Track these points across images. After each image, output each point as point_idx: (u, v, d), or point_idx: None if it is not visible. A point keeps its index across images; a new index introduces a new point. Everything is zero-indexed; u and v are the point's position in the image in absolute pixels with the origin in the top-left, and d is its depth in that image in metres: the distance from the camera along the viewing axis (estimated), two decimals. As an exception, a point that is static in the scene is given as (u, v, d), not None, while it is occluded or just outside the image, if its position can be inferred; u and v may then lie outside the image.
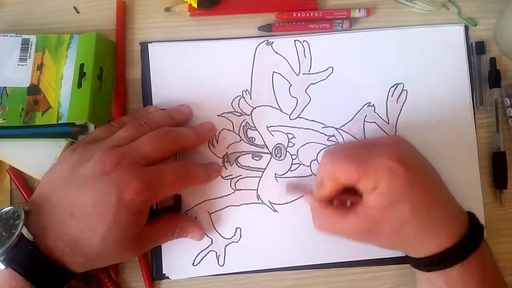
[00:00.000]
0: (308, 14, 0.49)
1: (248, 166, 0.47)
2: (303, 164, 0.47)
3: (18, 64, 0.45)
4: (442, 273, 0.38)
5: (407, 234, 0.38)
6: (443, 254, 0.38)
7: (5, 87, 0.44)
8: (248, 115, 0.48)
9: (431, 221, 0.38)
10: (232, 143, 0.47)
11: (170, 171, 0.40)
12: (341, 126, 0.48)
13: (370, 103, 0.48)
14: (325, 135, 0.48)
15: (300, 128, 0.48)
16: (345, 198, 0.42)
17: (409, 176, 0.37)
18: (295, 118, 0.48)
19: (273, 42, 0.48)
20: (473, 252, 0.38)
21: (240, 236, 0.46)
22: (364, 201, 0.38)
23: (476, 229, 0.39)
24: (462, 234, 0.38)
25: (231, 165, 0.47)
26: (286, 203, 0.47)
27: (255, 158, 0.47)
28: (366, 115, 0.48)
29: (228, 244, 0.46)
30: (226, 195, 0.47)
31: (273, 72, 0.48)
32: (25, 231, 0.35)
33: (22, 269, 0.34)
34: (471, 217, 0.40)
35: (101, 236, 0.37)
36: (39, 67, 0.45)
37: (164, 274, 0.46)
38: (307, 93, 0.48)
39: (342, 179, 0.38)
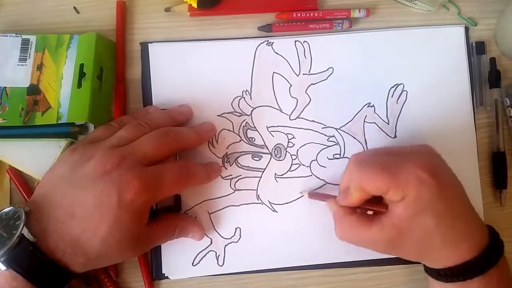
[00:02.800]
0: (308, 14, 0.49)
1: (248, 166, 0.47)
2: (303, 165, 0.47)
3: (18, 64, 0.45)
4: (461, 285, 0.38)
5: (431, 245, 0.38)
6: (464, 266, 0.38)
7: (5, 87, 0.44)
8: (248, 115, 0.48)
9: (454, 233, 0.38)
10: (232, 143, 0.47)
11: (171, 171, 0.40)
12: (341, 127, 0.48)
13: (370, 103, 0.48)
14: (325, 135, 0.48)
15: (300, 128, 0.48)
16: (368, 206, 0.41)
17: (437, 187, 0.37)
18: (295, 119, 0.48)
19: (273, 42, 0.48)
20: (494, 265, 0.38)
21: (240, 236, 0.46)
22: (390, 211, 0.38)
23: (496, 242, 0.40)
24: (483, 247, 0.38)
25: (231, 165, 0.47)
26: (286, 203, 0.47)
27: (255, 158, 0.47)
28: (366, 116, 0.48)
29: (228, 244, 0.46)
30: (226, 195, 0.47)
31: (273, 72, 0.48)
32: (25, 232, 0.35)
33: (23, 270, 0.34)
34: (491, 231, 0.40)
35: (101, 236, 0.37)
36: (39, 67, 0.45)
37: (164, 274, 0.46)
38: (307, 94, 0.48)
39: (370, 190, 0.38)
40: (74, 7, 0.49)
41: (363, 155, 0.41)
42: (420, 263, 0.42)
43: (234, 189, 0.47)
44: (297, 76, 0.48)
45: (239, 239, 0.46)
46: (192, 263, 0.46)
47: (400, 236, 0.38)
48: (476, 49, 0.49)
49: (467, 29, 0.50)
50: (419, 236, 0.38)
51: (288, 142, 0.48)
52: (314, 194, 0.46)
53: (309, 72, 0.48)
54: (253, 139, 0.48)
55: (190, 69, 0.48)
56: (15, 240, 0.35)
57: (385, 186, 0.37)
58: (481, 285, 0.38)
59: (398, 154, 0.40)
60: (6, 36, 0.45)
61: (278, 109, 0.48)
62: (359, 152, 0.43)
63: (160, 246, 0.46)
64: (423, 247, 0.39)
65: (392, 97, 0.48)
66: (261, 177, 0.47)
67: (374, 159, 0.39)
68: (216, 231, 0.46)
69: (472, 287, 0.38)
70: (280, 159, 0.47)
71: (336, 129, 0.48)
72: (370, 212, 0.41)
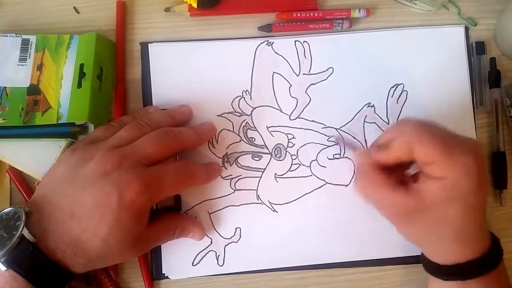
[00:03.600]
0: (308, 14, 0.49)
1: (248, 166, 0.47)
2: (303, 165, 0.47)
3: (18, 64, 0.45)
4: (461, 284, 0.39)
5: (443, 234, 0.38)
6: (465, 265, 0.38)
7: (5, 87, 0.44)
8: (248, 115, 0.48)
9: (469, 231, 0.38)
10: (232, 143, 0.47)
11: (171, 171, 0.40)
12: (341, 127, 0.48)
13: (370, 103, 0.48)
14: (325, 135, 0.48)
15: (300, 128, 0.48)
16: (399, 174, 0.40)
17: (478, 182, 0.36)
18: (295, 119, 0.48)
19: (273, 42, 0.48)
20: (494, 268, 0.38)
21: (240, 236, 0.46)
22: (423, 183, 0.37)
23: (497, 247, 0.40)
24: (486, 250, 0.39)
25: (231, 165, 0.47)
26: (286, 203, 0.47)
27: (255, 158, 0.47)
28: (366, 116, 0.48)
29: (228, 244, 0.46)
30: (226, 195, 0.47)
31: (273, 72, 0.48)
32: (26, 232, 0.35)
33: (23, 270, 0.34)
34: (493, 238, 0.41)
35: (102, 237, 0.37)
36: (39, 67, 0.45)
37: (164, 274, 0.46)
38: (307, 94, 0.48)
39: (420, 153, 0.37)
40: (74, 7, 0.49)
41: (423, 121, 0.39)
42: (419, 263, 0.42)
43: (234, 189, 0.47)
44: (297, 76, 0.48)
45: (239, 239, 0.46)
46: (192, 263, 0.46)
47: (421, 211, 0.37)
48: (476, 49, 0.49)
49: (467, 29, 0.50)
50: (439, 220, 0.37)
51: (288, 142, 0.48)
52: (345, 141, 0.45)
53: (309, 72, 0.48)
54: (253, 139, 0.48)
55: (190, 69, 0.48)
56: (15, 241, 0.34)
57: (434, 157, 0.36)
58: (481, 286, 0.38)
59: (455, 137, 0.39)
60: (6, 36, 0.45)
61: (278, 109, 0.48)
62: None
63: (160, 246, 0.46)
64: (436, 232, 0.38)
65: (392, 97, 0.48)
66: (261, 177, 0.47)
67: (433, 129, 0.38)
68: (216, 231, 0.46)
69: (471, 287, 0.38)
70: (280, 159, 0.47)
71: (336, 129, 0.48)
72: (410, 171, 0.39)
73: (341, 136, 0.46)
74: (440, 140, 0.37)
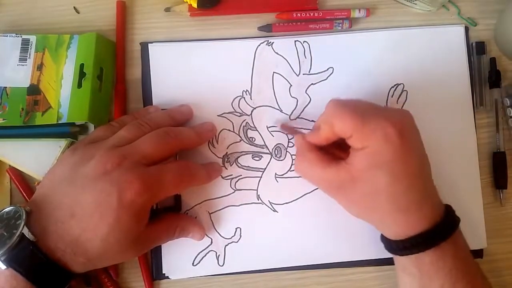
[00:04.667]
0: (308, 14, 0.49)
1: (248, 166, 0.47)
2: (303, 164, 0.47)
3: (18, 64, 0.45)
4: (414, 259, 0.39)
5: (378, 204, 0.39)
6: (414, 238, 0.38)
7: (5, 87, 0.44)
8: (248, 115, 0.48)
9: (405, 200, 0.38)
10: (232, 143, 0.47)
11: (171, 171, 0.40)
12: (341, 126, 0.48)
13: (370, 103, 0.48)
14: (325, 135, 0.48)
15: (300, 128, 0.48)
16: (336, 153, 0.42)
17: (400, 149, 0.37)
18: (295, 119, 0.48)
19: (273, 42, 0.48)
20: (445, 239, 0.38)
21: (240, 236, 0.46)
22: (350, 157, 0.39)
23: (450, 219, 0.40)
24: (435, 221, 0.38)
25: (231, 165, 0.47)
26: (286, 203, 0.47)
27: (255, 158, 0.47)
28: (366, 115, 0.48)
29: (228, 244, 0.46)
30: (226, 195, 0.47)
31: (273, 72, 0.48)
32: (26, 231, 0.35)
33: (23, 269, 0.34)
34: (448, 210, 0.40)
35: (102, 237, 0.37)
36: (39, 67, 0.45)
37: (164, 274, 0.46)
38: (307, 94, 0.48)
39: (337, 128, 0.39)
40: (74, 7, 0.49)
41: (344, 99, 0.41)
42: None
43: (234, 189, 0.47)
44: (297, 76, 0.48)
45: (239, 239, 0.46)
46: (192, 263, 0.46)
47: (352, 183, 0.39)
48: (476, 49, 0.50)
49: (467, 29, 0.50)
50: (369, 190, 0.38)
51: (288, 142, 0.48)
52: (286, 127, 0.47)
53: (309, 72, 0.48)
54: (253, 139, 0.48)
55: (190, 69, 0.48)
56: (15, 240, 0.35)
57: (350, 129, 0.38)
58: (434, 258, 0.38)
59: (377, 108, 0.40)
60: (6, 36, 0.45)
61: (278, 109, 0.48)
62: None
63: (160, 246, 0.46)
64: (369, 202, 0.39)
65: (392, 97, 0.48)
66: (261, 177, 0.47)
67: (352, 103, 0.40)
68: (216, 231, 0.46)
69: (426, 261, 0.38)
70: (280, 159, 0.47)
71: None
72: None
73: (283, 124, 0.47)
74: (355, 113, 0.38)
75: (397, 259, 0.41)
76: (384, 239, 0.42)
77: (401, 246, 0.39)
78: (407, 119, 0.40)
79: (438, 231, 0.38)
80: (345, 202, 0.42)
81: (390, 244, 0.40)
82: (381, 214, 0.39)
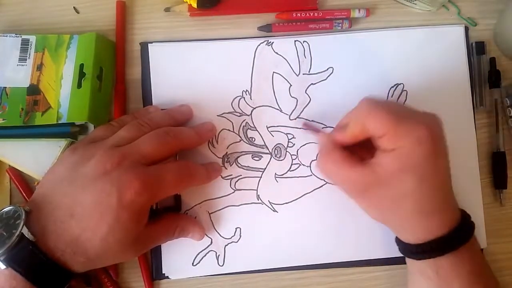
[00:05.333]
0: (308, 14, 0.49)
1: (248, 166, 0.47)
2: (303, 164, 0.47)
3: (18, 64, 0.45)
4: (433, 262, 0.38)
5: (402, 208, 0.38)
6: (434, 242, 0.38)
7: (5, 87, 0.45)
8: (248, 115, 0.48)
9: (430, 204, 0.38)
10: (232, 143, 0.47)
11: (171, 171, 0.40)
12: (341, 126, 0.48)
13: (370, 103, 0.48)
14: (325, 135, 0.48)
15: (300, 128, 0.48)
16: (359, 152, 0.41)
17: (431, 151, 0.37)
18: (295, 118, 0.48)
19: (273, 42, 0.48)
20: (464, 244, 0.38)
21: (240, 236, 0.46)
22: (377, 158, 0.38)
23: (467, 223, 0.40)
24: (454, 226, 0.38)
25: (231, 165, 0.47)
26: (286, 203, 0.47)
27: (255, 158, 0.47)
28: (366, 115, 0.48)
29: (228, 244, 0.46)
30: (226, 195, 0.47)
31: (273, 72, 0.48)
32: (25, 231, 0.35)
33: (23, 269, 0.34)
34: (464, 214, 0.40)
35: (101, 236, 0.37)
36: (39, 67, 0.45)
37: (164, 274, 0.46)
38: (307, 94, 0.48)
39: (370, 127, 0.38)
40: (74, 7, 0.49)
41: (376, 98, 0.40)
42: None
43: (234, 189, 0.47)
44: (297, 76, 0.48)
45: (239, 239, 0.46)
46: (192, 263, 0.46)
47: (377, 186, 0.38)
48: (476, 49, 0.49)
49: (467, 29, 0.50)
50: (395, 192, 0.38)
51: (288, 142, 0.48)
52: (308, 125, 0.46)
53: (309, 72, 0.48)
54: (253, 139, 0.48)
55: (190, 69, 0.48)
56: (15, 239, 0.35)
57: (384, 128, 0.37)
58: (452, 262, 0.38)
59: (409, 110, 0.40)
60: (6, 36, 0.46)
61: (278, 109, 0.48)
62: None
63: (160, 246, 0.46)
64: (393, 205, 0.39)
65: (392, 97, 0.48)
66: (261, 177, 0.47)
67: (386, 103, 0.39)
68: (216, 231, 0.46)
69: (444, 265, 0.38)
70: (280, 159, 0.47)
71: (305, 119, 0.48)
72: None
73: (307, 123, 0.47)
74: (389, 113, 0.37)
75: (413, 262, 0.41)
76: (400, 242, 0.41)
77: (420, 250, 0.39)
78: (438, 123, 0.39)
79: (457, 235, 0.38)
80: (367, 204, 0.41)
81: (408, 248, 0.40)
82: (403, 217, 0.39)
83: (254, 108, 0.48)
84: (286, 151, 0.47)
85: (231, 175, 0.47)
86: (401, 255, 0.43)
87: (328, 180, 0.43)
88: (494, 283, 0.41)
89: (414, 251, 0.39)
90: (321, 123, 0.48)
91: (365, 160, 0.39)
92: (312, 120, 0.48)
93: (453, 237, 0.38)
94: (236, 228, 0.47)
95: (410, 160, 0.37)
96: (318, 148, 0.45)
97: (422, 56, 0.49)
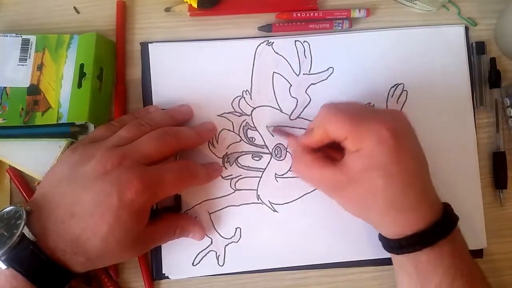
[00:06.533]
0: (308, 14, 0.49)
1: (248, 166, 0.47)
2: (303, 164, 0.47)
3: (18, 64, 0.45)
4: (412, 257, 0.39)
5: (375, 204, 0.39)
6: (411, 237, 0.38)
7: (5, 87, 0.44)
8: (248, 115, 0.48)
9: (402, 200, 0.38)
10: (232, 143, 0.47)
11: (171, 171, 0.40)
12: (341, 126, 0.48)
13: (370, 103, 0.48)
14: (325, 135, 0.48)
15: (300, 128, 0.48)
16: (330, 153, 0.42)
17: (395, 150, 0.37)
18: (295, 119, 0.48)
19: (273, 42, 0.48)
20: (443, 238, 0.38)
21: (240, 236, 0.46)
22: (344, 159, 0.39)
23: (448, 218, 0.40)
24: (433, 220, 0.38)
25: (231, 165, 0.47)
26: (286, 203, 0.47)
27: (255, 158, 0.47)
28: (366, 115, 0.48)
29: (228, 244, 0.46)
30: (226, 195, 0.47)
31: (273, 72, 0.48)
32: (26, 231, 0.35)
33: (23, 269, 0.34)
34: (446, 208, 0.40)
35: (102, 236, 0.37)
36: (39, 67, 0.45)
37: (164, 274, 0.46)
38: (307, 94, 0.48)
39: (331, 132, 0.39)
40: (74, 7, 0.49)
41: (336, 102, 0.42)
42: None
43: (234, 189, 0.47)
44: (297, 76, 0.48)
45: (239, 239, 0.46)
46: (192, 263, 0.46)
47: (348, 184, 0.39)
48: (476, 49, 0.49)
49: (467, 29, 0.50)
50: (365, 190, 0.39)
51: (288, 142, 0.48)
52: (279, 130, 0.47)
53: (309, 72, 0.48)
54: (253, 139, 0.48)
55: (191, 69, 0.48)
56: (16, 239, 0.35)
57: (344, 132, 0.38)
58: (431, 257, 0.38)
59: (370, 111, 0.41)
60: (6, 36, 0.45)
61: (278, 109, 0.48)
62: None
63: (160, 246, 0.46)
64: (366, 203, 0.39)
65: (392, 97, 0.48)
66: (261, 177, 0.47)
67: (345, 107, 0.41)
68: (216, 231, 0.46)
69: (422, 260, 0.38)
70: (280, 159, 0.47)
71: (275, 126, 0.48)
72: None
73: (276, 127, 0.47)
74: (348, 116, 0.39)
75: (395, 257, 0.41)
76: (382, 237, 0.42)
77: (398, 245, 0.39)
78: (401, 120, 0.40)
79: (436, 230, 0.38)
80: (343, 202, 0.42)
81: (388, 243, 0.41)
82: (378, 213, 0.40)
83: (254, 108, 0.48)
84: (286, 151, 0.47)
85: (231, 175, 0.47)
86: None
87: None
88: (480, 280, 0.40)
89: (393, 245, 0.40)
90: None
91: (336, 160, 0.40)
92: (312, 120, 0.48)
93: (431, 232, 0.38)
94: (236, 228, 0.47)
95: (374, 159, 0.38)
96: (290, 152, 0.47)
97: (422, 56, 0.49)
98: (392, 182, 0.38)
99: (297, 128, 0.48)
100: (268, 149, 0.47)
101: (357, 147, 0.38)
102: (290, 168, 0.47)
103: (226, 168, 0.47)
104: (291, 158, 0.45)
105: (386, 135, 0.37)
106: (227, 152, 0.47)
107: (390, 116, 0.40)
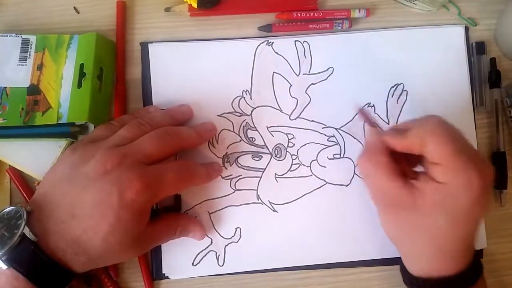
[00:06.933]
0: (308, 14, 0.49)
1: (248, 166, 0.47)
2: (303, 165, 0.47)
3: (18, 64, 0.45)
4: None
5: (422, 240, 0.38)
6: (438, 281, 0.38)
7: (5, 87, 0.44)
8: (248, 115, 0.48)
9: (452, 246, 0.38)
10: (232, 143, 0.47)
11: (171, 171, 0.40)
12: (341, 127, 0.48)
13: (370, 103, 0.48)
14: (325, 135, 0.48)
15: (300, 128, 0.48)
16: (402, 163, 0.39)
17: (475, 198, 0.36)
18: (295, 119, 0.48)
19: (273, 42, 0.48)
20: (471, 285, 0.38)
21: (240, 236, 0.46)
22: (422, 184, 0.37)
23: (476, 267, 0.39)
24: (463, 269, 0.38)
25: (231, 165, 0.47)
26: (286, 203, 0.47)
27: (255, 158, 0.47)
28: (366, 116, 0.48)
29: (228, 244, 0.46)
30: (226, 195, 0.47)
31: (273, 72, 0.48)
32: (27, 231, 0.35)
33: (24, 269, 0.34)
34: (476, 258, 0.40)
35: (102, 236, 0.36)
36: (39, 67, 0.45)
37: (164, 274, 0.46)
38: (307, 94, 0.48)
39: (429, 148, 0.36)
40: (74, 7, 0.49)
41: (448, 122, 0.38)
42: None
43: (234, 189, 0.47)
44: (297, 76, 0.48)
45: (239, 239, 0.46)
46: (192, 263, 0.46)
47: (409, 210, 0.37)
48: (476, 49, 0.49)
49: (467, 29, 0.50)
50: (422, 224, 0.37)
51: (288, 142, 0.48)
52: (363, 113, 0.44)
53: (309, 72, 0.48)
54: (253, 139, 0.48)
55: (190, 69, 0.48)
56: (16, 240, 0.35)
57: (441, 158, 0.36)
58: None
59: (469, 146, 0.38)
60: (6, 36, 0.45)
61: (278, 109, 0.48)
62: None
63: (160, 246, 0.46)
64: (416, 234, 0.38)
65: (392, 97, 0.48)
66: (261, 177, 0.47)
67: (455, 132, 0.37)
68: (216, 231, 0.46)
69: None
70: (280, 159, 0.47)
71: (336, 129, 0.48)
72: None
73: (362, 109, 0.45)
74: (454, 143, 0.36)
75: None
76: (404, 271, 0.41)
77: (427, 285, 0.38)
78: (492, 173, 0.38)
79: (463, 278, 0.38)
80: (389, 221, 0.40)
81: (410, 279, 0.40)
82: (418, 248, 0.39)
83: (254, 108, 0.48)
84: (286, 151, 0.47)
85: (231, 175, 0.47)
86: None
87: (361, 177, 0.42)
88: None
89: (415, 283, 0.39)
90: (321, 123, 0.48)
91: (407, 177, 0.38)
92: (312, 120, 0.48)
93: (457, 280, 0.38)
94: (236, 228, 0.47)
95: (453, 201, 0.36)
96: (365, 140, 0.42)
97: (423, 56, 0.49)
98: (453, 228, 0.37)
99: (297, 128, 0.48)
100: (268, 149, 0.47)
101: (445, 180, 0.36)
102: (291, 166, 0.47)
103: (226, 168, 0.47)
104: (363, 149, 0.40)
105: (475, 182, 0.35)
106: (227, 152, 0.47)
107: (481, 161, 0.37)
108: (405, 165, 0.40)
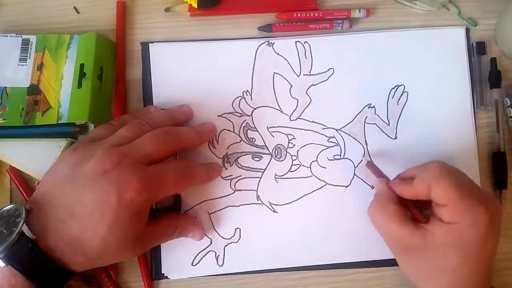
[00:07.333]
0: (308, 15, 0.49)
1: (248, 167, 0.47)
2: (303, 165, 0.47)
3: (18, 64, 0.45)
4: None
5: (438, 278, 0.38)
6: None
7: (5, 87, 0.45)
8: (249, 115, 0.48)
9: (467, 282, 0.38)
10: (232, 144, 0.47)
11: (171, 171, 0.40)
12: (341, 128, 0.48)
13: (370, 104, 0.48)
14: (326, 136, 0.48)
15: (300, 129, 0.48)
16: (411, 209, 0.41)
17: (485, 234, 0.37)
18: (296, 119, 0.48)
19: (274, 43, 0.48)
20: None
21: (240, 236, 0.46)
22: (432, 226, 0.38)
23: None
24: None
25: (231, 166, 0.47)
26: (286, 204, 0.47)
27: (255, 158, 0.47)
28: (366, 117, 0.48)
29: (228, 244, 0.46)
30: (226, 196, 0.47)
31: (274, 73, 0.48)
32: (25, 229, 0.35)
33: (22, 267, 0.34)
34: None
35: (101, 236, 0.36)
36: (39, 67, 0.45)
37: (163, 274, 0.46)
38: (307, 94, 0.48)
39: (435, 193, 0.38)
40: (74, 7, 0.49)
41: (448, 164, 0.40)
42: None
43: (234, 189, 0.47)
44: (298, 76, 0.48)
45: (238, 239, 0.46)
46: (192, 263, 0.46)
47: (422, 252, 0.38)
48: (476, 50, 0.49)
49: (467, 30, 0.50)
50: (435, 264, 0.38)
51: (289, 142, 0.47)
52: (371, 166, 0.45)
53: (309, 72, 0.48)
54: (254, 140, 0.47)
55: (191, 69, 0.48)
56: (15, 237, 0.35)
57: (447, 200, 0.37)
58: None
59: (474, 185, 0.40)
60: (6, 36, 0.46)
61: (278, 110, 0.48)
62: None
63: (159, 246, 0.46)
64: (429, 275, 0.39)
65: (392, 98, 0.48)
66: (261, 177, 0.47)
67: (454, 172, 0.39)
68: (216, 231, 0.46)
69: None
70: (281, 159, 0.47)
71: (336, 130, 0.48)
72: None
73: (370, 162, 0.46)
74: (458, 184, 0.37)
75: None
76: None
77: None
78: (499, 207, 0.39)
79: None
80: (406, 265, 0.41)
81: None
82: (435, 286, 0.39)
83: (255, 109, 0.48)
84: (287, 151, 0.47)
85: (231, 175, 0.47)
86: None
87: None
88: None
89: None
90: (322, 124, 0.48)
91: (418, 221, 0.39)
92: (312, 121, 0.48)
93: None
94: (236, 229, 0.46)
95: (462, 238, 0.37)
96: (374, 191, 0.44)
97: (423, 57, 0.49)
98: (467, 264, 0.38)
99: (297, 128, 0.48)
100: (268, 149, 0.47)
101: (453, 219, 0.37)
102: (291, 167, 0.47)
103: (226, 169, 0.47)
104: (372, 201, 0.42)
105: (483, 219, 0.37)
106: (227, 153, 0.47)
107: (487, 198, 0.39)
108: (414, 209, 0.41)
